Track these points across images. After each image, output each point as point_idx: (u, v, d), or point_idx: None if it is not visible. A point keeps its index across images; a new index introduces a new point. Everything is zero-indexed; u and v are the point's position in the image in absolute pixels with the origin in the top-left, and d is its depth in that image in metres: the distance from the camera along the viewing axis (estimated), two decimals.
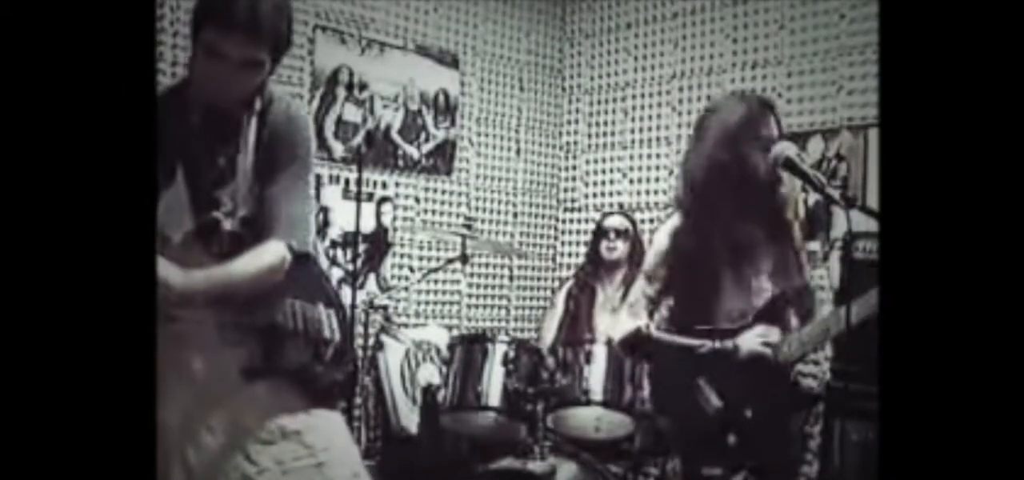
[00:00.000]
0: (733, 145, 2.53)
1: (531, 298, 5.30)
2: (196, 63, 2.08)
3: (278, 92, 2.21)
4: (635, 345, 2.72)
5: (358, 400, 3.91)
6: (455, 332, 4.52)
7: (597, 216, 4.54)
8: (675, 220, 2.70)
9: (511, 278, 5.26)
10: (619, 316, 2.77)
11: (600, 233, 4.26)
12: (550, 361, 3.53)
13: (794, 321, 2.62)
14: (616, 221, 4.26)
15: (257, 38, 1.99)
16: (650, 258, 2.75)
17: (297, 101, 2.25)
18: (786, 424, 2.60)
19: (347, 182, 4.52)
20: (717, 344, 2.54)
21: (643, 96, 5.07)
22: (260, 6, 1.97)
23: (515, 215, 5.28)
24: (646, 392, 3.37)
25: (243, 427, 2.11)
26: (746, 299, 2.59)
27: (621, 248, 4.18)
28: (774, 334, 2.53)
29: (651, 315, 2.68)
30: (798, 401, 2.65)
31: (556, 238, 5.46)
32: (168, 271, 1.96)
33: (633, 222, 4.30)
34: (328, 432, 2.19)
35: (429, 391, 3.98)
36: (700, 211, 2.61)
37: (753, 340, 2.53)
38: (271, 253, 2.10)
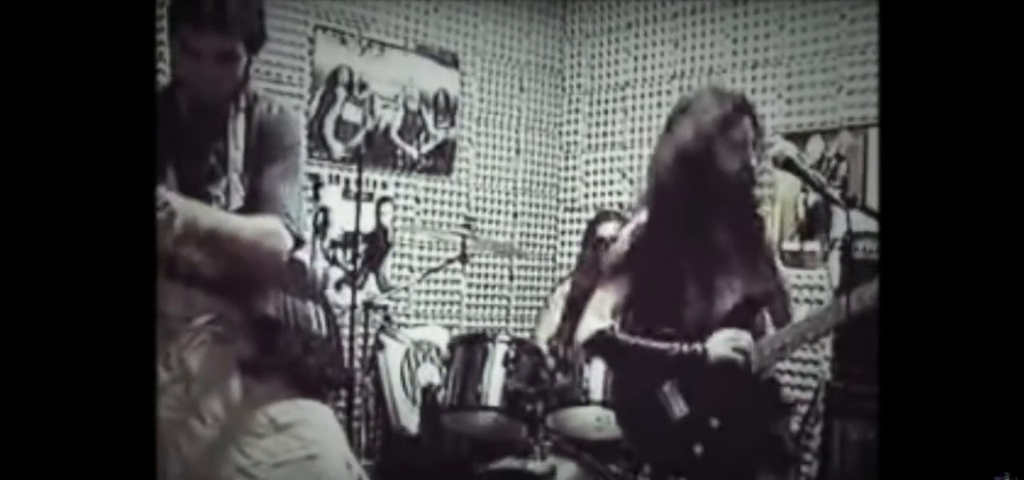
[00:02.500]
0: (704, 142, 2.42)
1: (531, 298, 5.30)
2: (176, 62, 2.12)
3: (262, 90, 2.25)
4: (599, 348, 2.60)
5: (358, 400, 3.91)
6: (455, 332, 4.52)
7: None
8: (641, 218, 2.59)
9: (511, 278, 5.26)
10: (584, 318, 2.62)
11: (597, 242, 4.19)
12: (550, 361, 3.53)
13: (768, 325, 2.51)
14: (612, 230, 4.17)
15: (227, 31, 2.04)
16: (614, 258, 2.61)
17: (284, 98, 2.32)
18: (759, 434, 2.43)
19: (347, 182, 4.52)
20: (684, 348, 2.40)
21: (643, 96, 5.07)
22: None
23: (515, 215, 5.28)
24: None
25: (236, 420, 2.13)
26: (715, 302, 2.47)
27: None
28: (745, 339, 2.40)
29: (615, 317, 2.54)
30: (772, 410, 2.49)
31: (556, 238, 5.46)
32: (170, 195, 1.98)
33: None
34: (319, 424, 2.22)
35: (429, 391, 3.98)
36: (667, 210, 2.51)
37: (722, 344, 2.39)
38: (270, 223, 2.14)
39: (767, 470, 2.43)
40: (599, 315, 2.56)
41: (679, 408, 2.42)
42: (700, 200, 2.45)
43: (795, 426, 2.78)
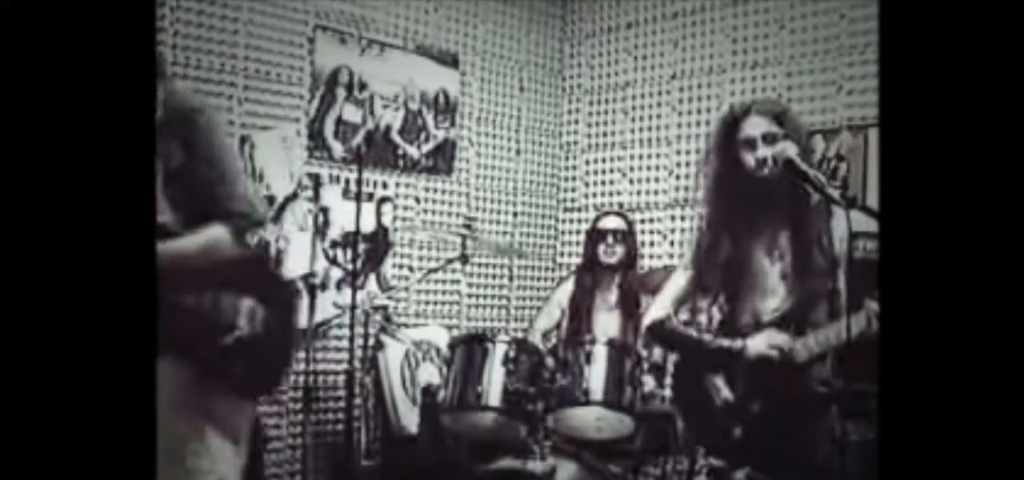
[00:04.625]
0: (747, 151, 2.59)
1: (531, 298, 5.30)
2: None
3: (179, 86, 2.24)
4: (657, 335, 2.86)
5: (358, 400, 3.91)
6: (455, 332, 4.52)
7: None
8: (701, 226, 2.80)
9: (511, 278, 5.26)
10: (651, 308, 2.91)
11: (598, 236, 4.24)
12: (550, 361, 3.53)
13: (819, 321, 2.63)
14: (613, 223, 4.24)
15: None
16: (684, 260, 2.87)
17: (191, 90, 2.33)
18: (798, 423, 2.60)
19: (347, 182, 4.52)
20: (726, 343, 2.63)
21: (643, 96, 5.07)
22: None
23: (515, 215, 5.28)
24: (647, 390, 3.49)
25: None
26: (768, 300, 2.65)
27: (619, 251, 4.17)
28: (781, 337, 2.58)
29: (677, 311, 2.81)
30: (812, 401, 2.62)
31: (556, 238, 5.46)
32: None
33: (629, 222, 4.28)
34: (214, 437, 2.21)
35: (429, 391, 3.98)
36: (722, 218, 2.70)
37: (761, 344, 2.59)
38: (206, 237, 2.14)
39: (801, 453, 2.57)
40: (662, 305, 2.84)
41: (725, 392, 2.64)
42: (753, 205, 2.63)
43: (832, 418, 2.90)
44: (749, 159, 2.58)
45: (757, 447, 2.62)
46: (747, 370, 2.61)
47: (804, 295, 2.63)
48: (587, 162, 5.35)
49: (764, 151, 2.55)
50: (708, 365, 2.70)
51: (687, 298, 2.81)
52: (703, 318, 2.73)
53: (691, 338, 2.73)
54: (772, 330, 2.61)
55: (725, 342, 2.64)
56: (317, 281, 4.08)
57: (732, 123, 2.63)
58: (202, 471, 2.17)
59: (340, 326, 4.44)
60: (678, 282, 2.85)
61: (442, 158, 4.93)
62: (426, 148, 4.86)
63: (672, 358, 3.37)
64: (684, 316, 2.81)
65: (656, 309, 2.86)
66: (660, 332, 2.84)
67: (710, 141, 2.76)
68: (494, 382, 3.48)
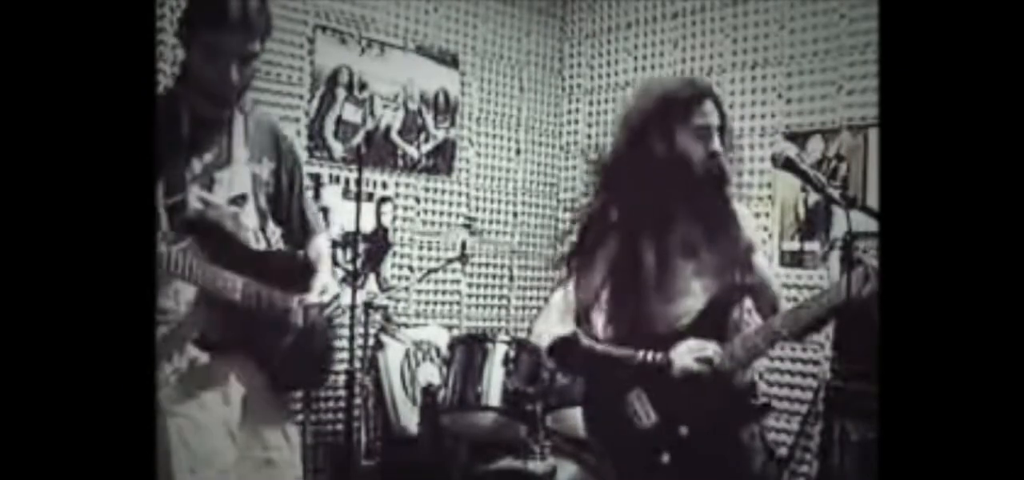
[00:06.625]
0: (660, 129, 2.31)
1: (531, 298, 5.30)
2: (192, 66, 2.16)
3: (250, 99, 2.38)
4: (563, 356, 2.45)
5: (358, 400, 3.91)
6: (455, 332, 4.52)
7: None
8: (603, 217, 2.43)
9: (511, 278, 5.26)
10: (548, 322, 2.48)
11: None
12: (550, 361, 3.53)
13: (749, 323, 2.39)
14: None
15: (250, 31, 2.14)
16: (578, 260, 2.45)
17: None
18: (731, 441, 2.32)
19: (347, 182, 4.52)
20: (648, 357, 2.27)
21: None
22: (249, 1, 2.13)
23: (515, 215, 5.28)
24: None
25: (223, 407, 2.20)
26: (683, 302, 2.34)
27: None
28: (710, 348, 2.26)
29: (580, 322, 2.38)
30: (744, 414, 2.36)
31: (556, 238, 5.45)
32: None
33: None
34: (284, 431, 2.39)
35: (429, 391, 3.99)
36: (627, 204, 2.36)
37: (686, 356, 2.25)
38: (319, 246, 2.57)
39: (736, 473, 2.33)
40: (563, 320, 2.40)
41: (647, 416, 2.30)
42: (663, 192, 2.31)
43: (772, 431, 2.55)
44: (697, 150, 2.29)
45: (687, 472, 2.26)
46: (671, 386, 2.25)
47: (721, 295, 2.33)
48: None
49: (717, 144, 2.29)
50: (626, 385, 2.32)
51: (589, 308, 2.37)
52: (611, 330, 2.34)
53: (606, 356, 2.31)
54: (692, 338, 2.27)
55: (646, 356, 2.27)
56: None
57: (684, 103, 2.31)
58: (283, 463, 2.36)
59: (340, 326, 4.44)
60: (575, 291, 2.41)
61: (442, 158, 4.93)
62: (426, 148, 4.86)
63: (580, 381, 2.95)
64: (585, 328, 2.39)
65: (556, 325, 2.41)
66: (567, 352, 2.39)
67: (641, 113, 2.37)
68: (494, 382, 3.48)
